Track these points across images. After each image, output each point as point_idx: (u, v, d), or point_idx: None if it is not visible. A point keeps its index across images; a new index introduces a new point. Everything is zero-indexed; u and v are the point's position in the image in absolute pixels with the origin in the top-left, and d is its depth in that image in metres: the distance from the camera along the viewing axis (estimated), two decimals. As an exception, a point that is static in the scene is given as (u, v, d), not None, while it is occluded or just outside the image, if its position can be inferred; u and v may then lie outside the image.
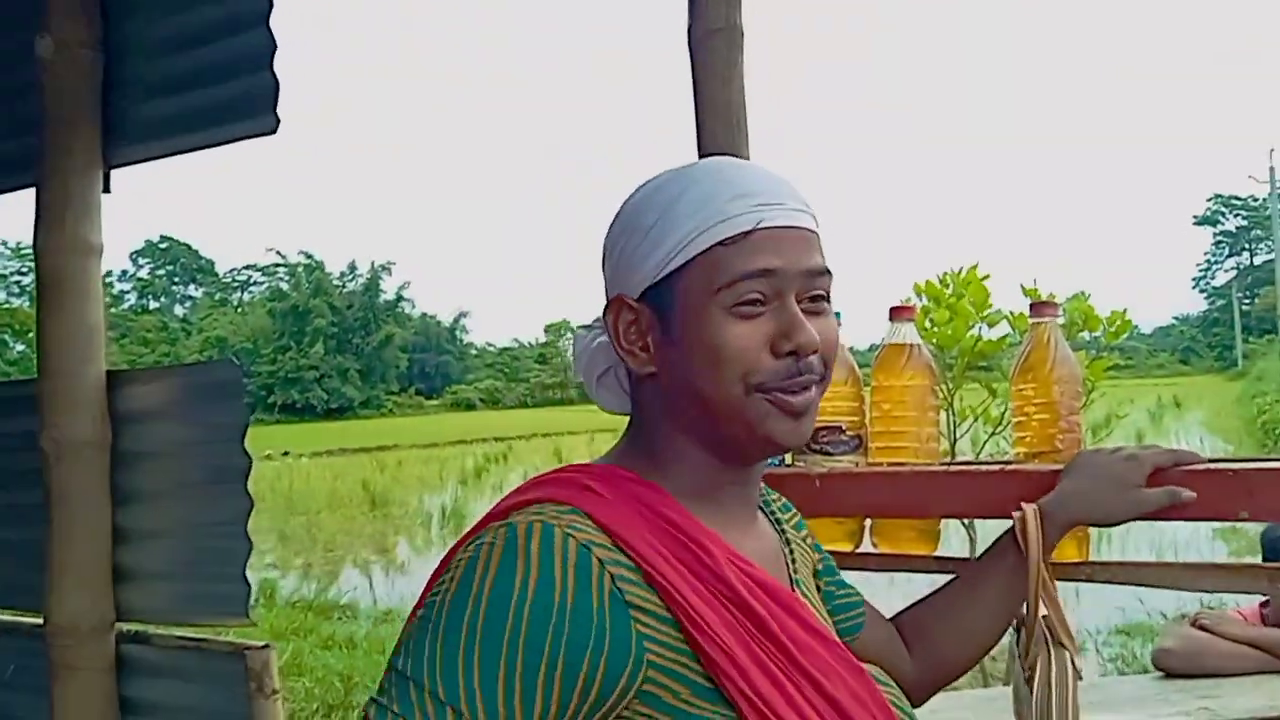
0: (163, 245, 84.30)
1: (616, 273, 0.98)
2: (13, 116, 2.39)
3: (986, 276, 3.60)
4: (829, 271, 0.95)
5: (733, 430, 0.93)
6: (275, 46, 2.09)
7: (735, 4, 1.64)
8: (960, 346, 3.36)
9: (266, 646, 2.15)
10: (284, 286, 66.42)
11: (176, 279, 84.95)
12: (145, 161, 2.34)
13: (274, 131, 2.13)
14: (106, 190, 2.33)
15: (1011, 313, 3.35)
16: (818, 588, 1.13)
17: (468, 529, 0.92)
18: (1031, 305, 1.40)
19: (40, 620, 2.25)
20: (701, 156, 1.65)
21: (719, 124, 1.62)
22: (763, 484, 1.17)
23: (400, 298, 66.16)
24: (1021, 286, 3.70)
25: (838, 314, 1.49)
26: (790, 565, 1.06)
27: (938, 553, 1.43)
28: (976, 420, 3.74)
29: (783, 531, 1.10)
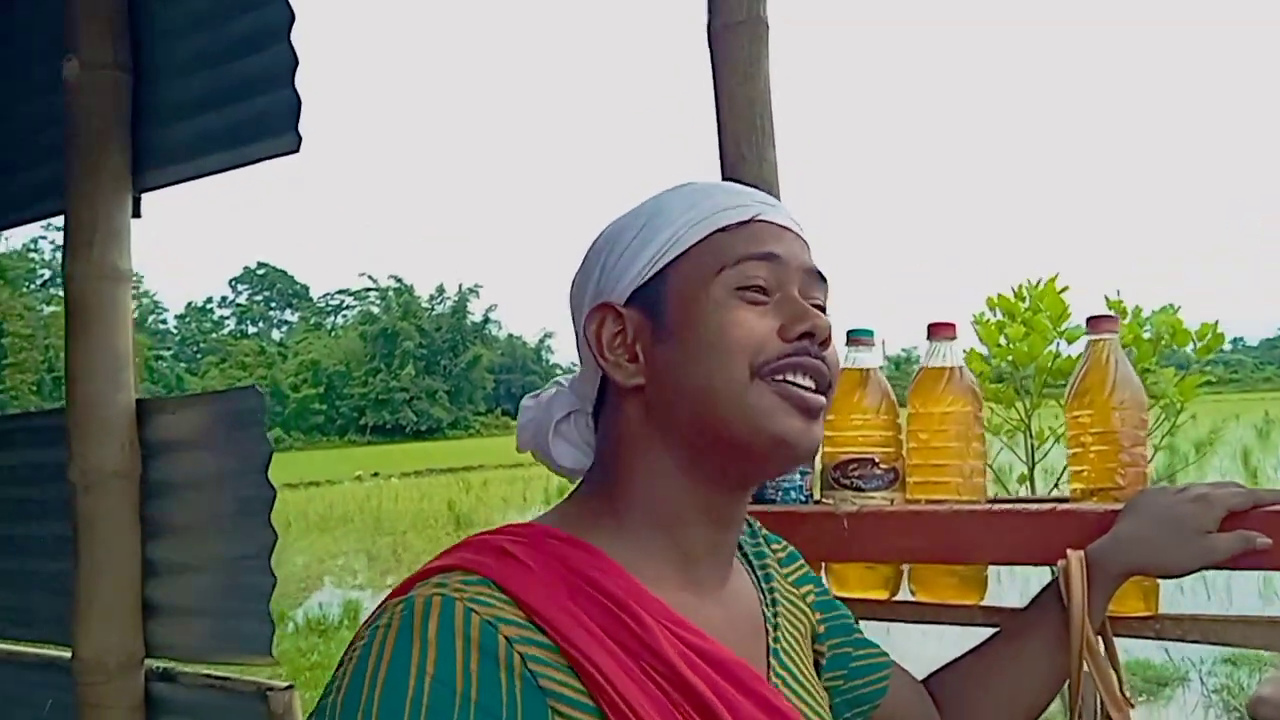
0: (260, 271, 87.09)
1: (598, 288, 0.89)
2: (42, 143, 2.37)
3: (1065, 289, 3.38)
4: (827, 280, 0.88)
5: (735, 429, 0.81)
6: (297, 62, 2.03)
7: (760, -7, 1.50)
8: (1037, 364, 3.15)
9: (289, 687, 2.07)
10: (374, 310, 67.94)
11: (273, 304, 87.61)
12: (173, 185, 2.29)
13: (296, 150, 2.07)
14: (136, 215, 2.29)
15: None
16: (821, 653, 0.99)
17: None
18: (1089, 320, 1.23)
19: (68, 654, 2.21)
20: (723, 160, 1.52)
21: (741, 124, 1.48)
22: (762, 531, 1.04)
23: (487, 319, 67.13)
24: (1105, 298, 3.47)
25: (870, 331, 1.37)
26: (770, 632, 0.91)
27: (985, 602, 1.27)
28: (1056, 442, 3.51)
29: (770, 590, 0.96)
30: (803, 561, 1.06)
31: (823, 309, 0.87)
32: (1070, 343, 3.15)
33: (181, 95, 2.23)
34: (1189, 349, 3.11)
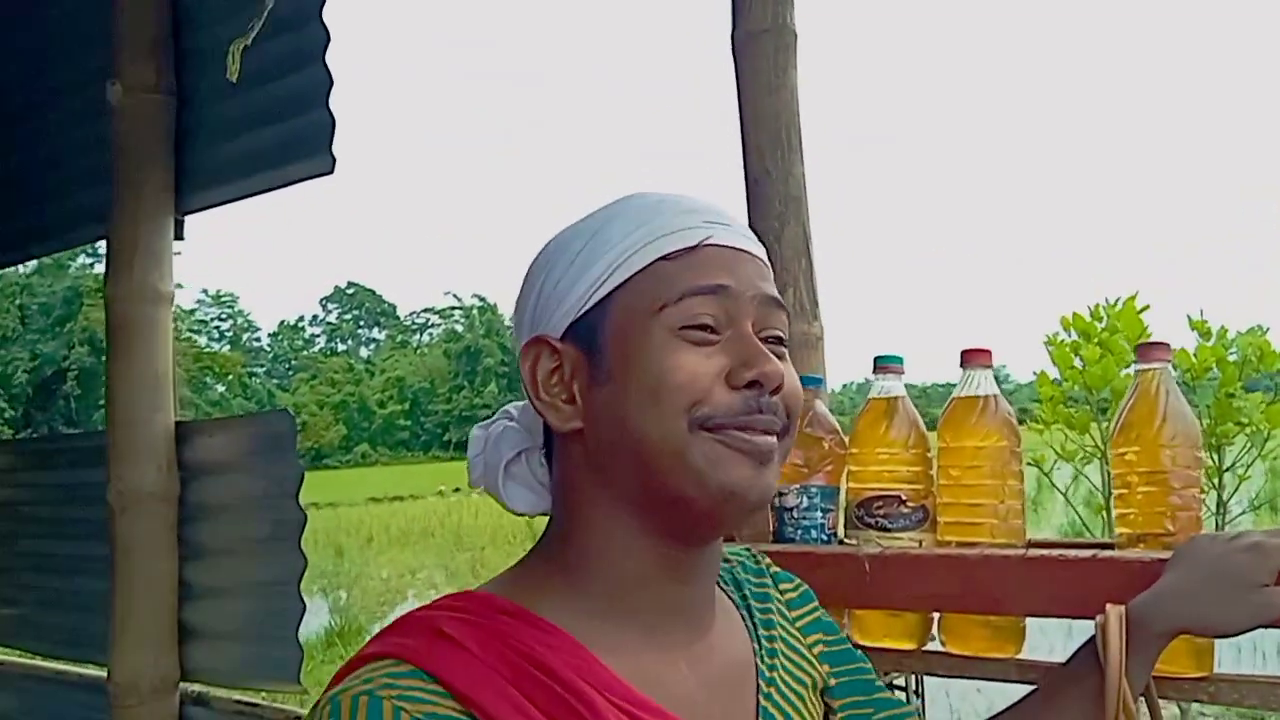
0: (349, 291, 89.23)
1: (534, 317, 0.81)
2: (86, 168, 2.39)
3: (1145, 308, 3.20)
4: (785, 309, 0.79)
5: (676, 484, 0.73)
6: (332, 83, 2.01)
7: (786, 1, 1.41)
8: (1113, 387, 2.98)
9: (317, 716, 2.03)
10: (458, 328, 69.01)
11: (362, 322, 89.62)
12: (214, 207, 2.29)
13: (330, 171, 2.04)
14: (179, 237, 2.30)
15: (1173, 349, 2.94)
16: (832, 708, 0.89)
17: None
18: (1138, 347, 1.11)
19: (104, 674, 2.20)
20: (747, 175, 1.44)
21: (765, 137, 1.39)
22: (771, 569, 0.96)
23: (568, 337, 67.73)
24: (1188, 317, 3.28)
25: (899, 359, 1.27)
26: (762, 686, 0.82)
27: (1023, 655, 1.15)
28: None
29: (769, 639, 0.87)
30: (816, 605, 0.96)
31: (781, 339, 0.79)
32: (1148, 365, 2.97)
33: (221, 118, 2.23)
34: (1278, 372, 2.91)
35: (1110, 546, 1.09)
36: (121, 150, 2.21)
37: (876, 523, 1.20)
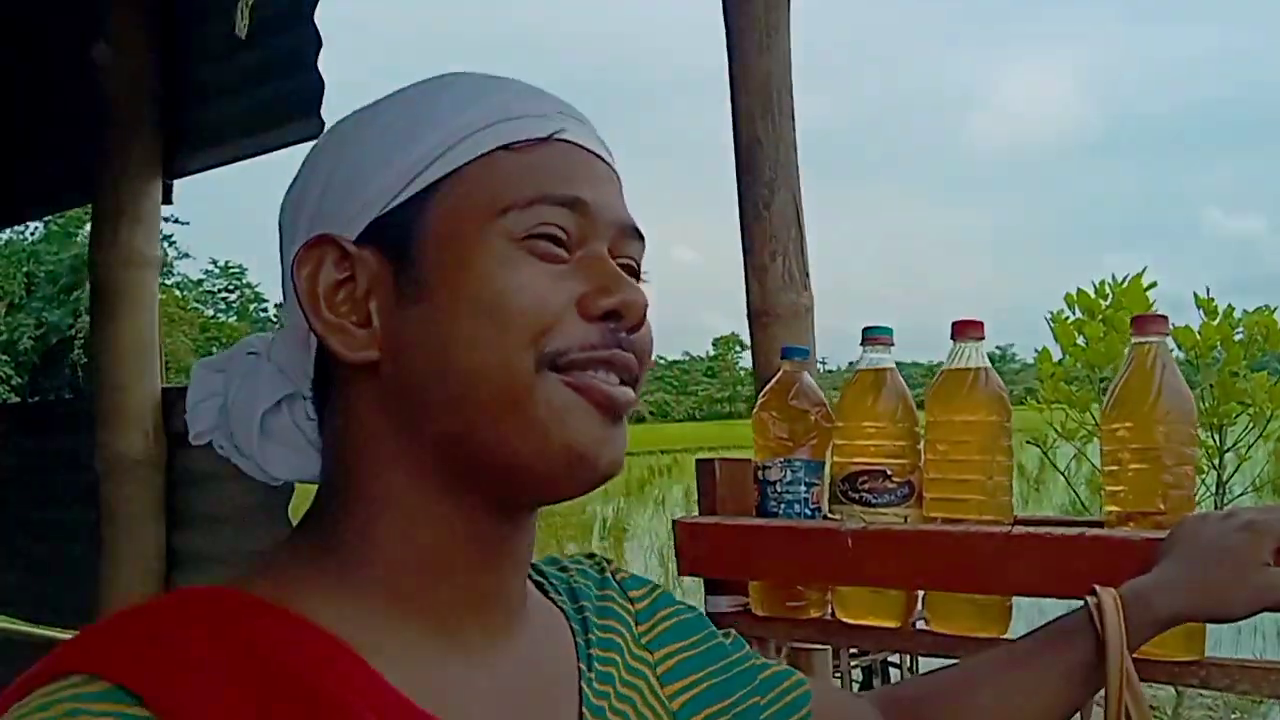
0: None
1: (319, 211, 0.62)
2: (73, 130, 2.36)
3: (1152, 285, 3.16)
4: (644, 239, 0.65)
5: (510, 437, 0.58)
6: (320, 44, 1.97)
7: (779, -42, 1.36)
8: (1115, 366, 2.94)
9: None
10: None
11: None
12: (202, 171, 2.26)
13: (318, 136, 2.00)
14: (167, 201, 2.27)
15: (1175, 327, 2.90)
16: (719, 712, 0.75)
17: None
18: (1134, 320, 1.07)
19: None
20: (737, 141, 1.40)
21: (756, 101, 1.35)
22: (619, 575, 0.80)
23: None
24: (1195, 296, 3.24)
25: (889, 330, 1.23)
26: (586, 714, 0.66)
27: (1008, 636, 1.12)
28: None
29: (605, 663, 0.71)
30: (674, 610, 0.79)
31: (636, 273, 0.65)
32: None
33: (210, 80, 2.19)
34: (1284, 352, 2.87)
35: (1100, 525, 1.06)
36: (109, 111, 2.18)
37: (861, 498, 1.17)
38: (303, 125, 2.02)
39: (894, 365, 1.21)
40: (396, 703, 0.56)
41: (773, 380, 1.27)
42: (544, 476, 0.59)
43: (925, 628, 1.16)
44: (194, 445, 0.74)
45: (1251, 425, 2.74)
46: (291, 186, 0.65)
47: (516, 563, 0.64)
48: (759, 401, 1.27)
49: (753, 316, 1.39)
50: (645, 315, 0.61)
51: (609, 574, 0.79)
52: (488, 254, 0.58)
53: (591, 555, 0.82)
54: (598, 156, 0.63)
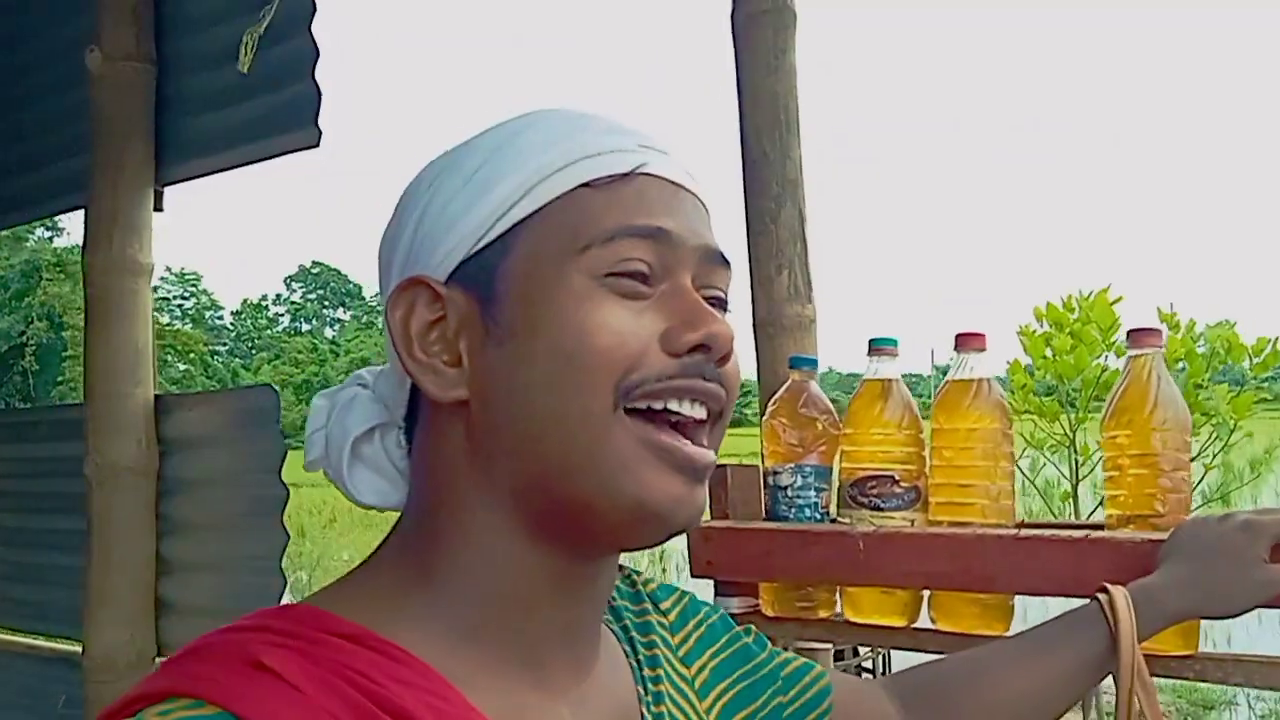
0: (314, 270, 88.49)
1: (411, 252, 0.63)
2: (65, 136, 2.36)
3: (1118, 299, 3.25)
4: (730, 266, 0.65)
5: (581, 486, 0.58)
6: (318, 54, 1.99)
7: (785, -18, 1.42)
8: (1084, 377, 3.03)
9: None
10: (425, 310, 68.55)
11: (327, 303, 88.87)
12: (195, 179, 2.27)
13: (316, 145, 2.03)
14: (158, 209, 2.27)
15: (1143, 340, 2.99)
16: (748, 717, 0.78)
17: None
18: (1130, 333, 1.13)
19: (79, 649, 2.19)
20: (745, 158, 1.45)
21: (764, 119, 1.40)
22: (647, 589, 0.80)
23: (536, 321, 67.32)
24: (1158, 310, 3.33)
25: (894, 340, 1.28)
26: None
27: (1011, 633, 1.17)
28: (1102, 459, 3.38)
29: (654, 679, 0.72)
30: (703, 617, 0.80)
31: (724, 304, 0.64)
32: (1120, 356, 3.02)
33: (204, 88, 2.20)
34: (1245, 365, 2.97)
35: (1100, 528, 1.12)
36: (101, 119, 2.18)
37: (870, 502, 1.22)
38: (300, 135, 2.03)
39: (899, 375, 1.27)
40: None
41: (782, 389, 1.31)
42: (616, 527, 0.59)
43: (931, 626, 1.21)
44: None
45: (1215, 435, 2.83)
46: (387, 227, 0.67)
47: (597, 601, 0.65)
48: (769, 410, 1.31)
49: (757, 327, 1.44)
50: (732, 347, 0.60)
51: (640, 587, 0.79)
52: (568, 292, 0.58)
53: (621, 568, 0.78)
54: (682, 187, 0.63)
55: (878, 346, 1.26)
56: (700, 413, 0.60)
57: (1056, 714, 0.93)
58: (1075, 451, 3.12)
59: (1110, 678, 0.94)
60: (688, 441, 0.59)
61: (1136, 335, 1.12)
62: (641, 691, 0.70)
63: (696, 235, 0.62)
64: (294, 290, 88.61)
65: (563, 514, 0.59)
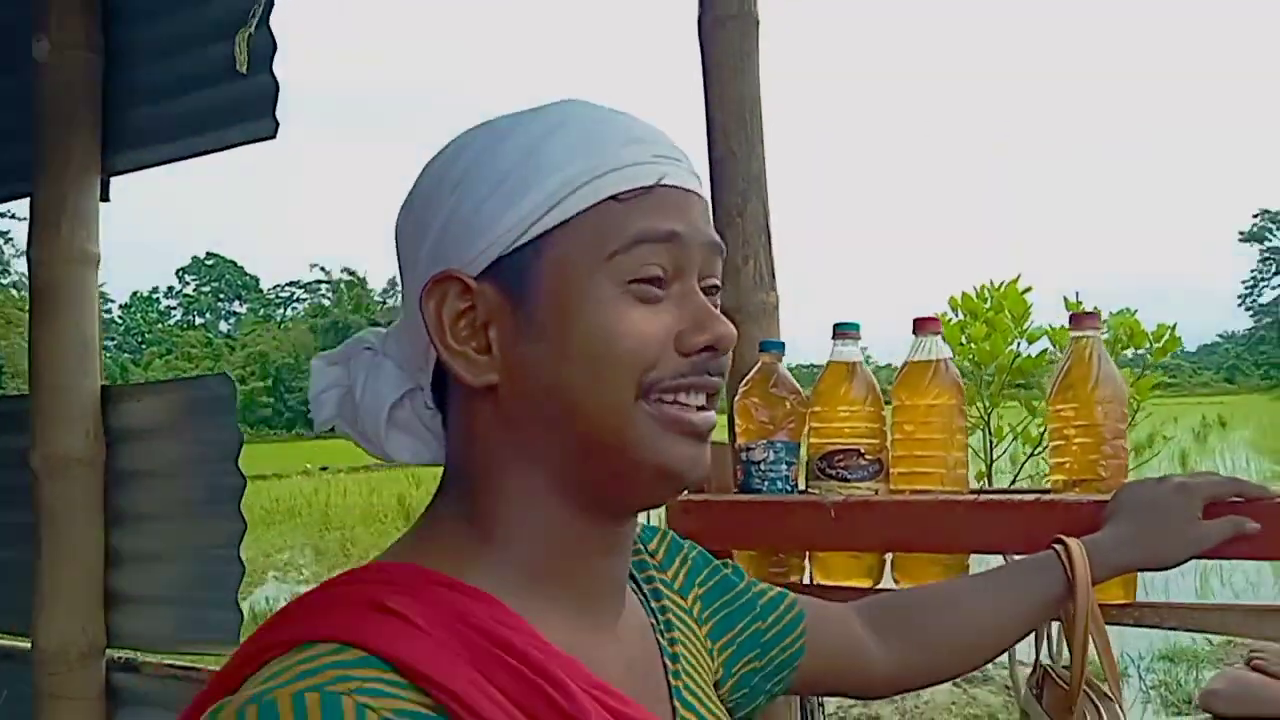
0: (209, 262, 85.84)
1: (442, 244, 0.69)
2: (10, 124, 2.32)
3: (1028, 289, 3.44)
4: (724, 251, 0.74)
5: (609, 458, 0.67)
6: (275, 47, 2.01)
7: (750, -11, 1.51)
8: (998, 363, 3.21)
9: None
10: (325, 303, 67.16)
11: (222, 296, 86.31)
12: (144, 168, 2.26)
13: (273, 136, 2.05)
14: (105, 198, 2.26)
15: (1052, 327, 3.18)
16: (725, 647, 0.88)
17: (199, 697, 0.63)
18: (1072, 317, 1.26)
19: (28, 644, 2.17)
20: (712, 155, 1.53)
21: (730, 119, 1.49)
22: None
23: (440, 314, 66.39)
24: (1065, 299, 3.54)
25: (856, 325, 1.39)
26: (669, 665, 0.78)
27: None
28: (1015, 439, 3.57)
29: (663, 611, 0.82)
30: (685, 552, 0.90)
31: (719, 286, 0.74)
32: (1031, 342, 3.20)
33: (155, 78, 2.19)
34: (1144, 351, 3.19)
35: (1047, 493, 1.24)
36: (48, 108, 2.16)
37: (837, 474, 1.32)
38: (256, 126, 2.05)
39: (862, 357, 1.37)
40: (575, 666, 0.64)
41: (753, 371, 1.41)
42: (642, 489, 0.69)
43: (895, 587, 1.32)
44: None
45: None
46: (409, 210, 0.72)
47: (625, 550, 0.74)
48: (741, 390, 1.41)
49: (725, 314, 1.52)
50: (733, 343, 0.70)
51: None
52: (596, 300, 0.65)
53: None
54: (690, 192, 0.71)
55: (842, 330, 1.36)
56: (702, 401, 0.70)
57: (1008, 645, 1.05)
58: (990, 433, 3.30)
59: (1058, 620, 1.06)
60: (693, 409, 0.69)
61: (1078, 319, 1.24)
62: (654, 622, 0.80)
63: (701, 233, 0.70)
64: (187, 283, 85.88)
65: (595, 483, 0.68)
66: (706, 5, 1.52)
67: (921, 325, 1.33)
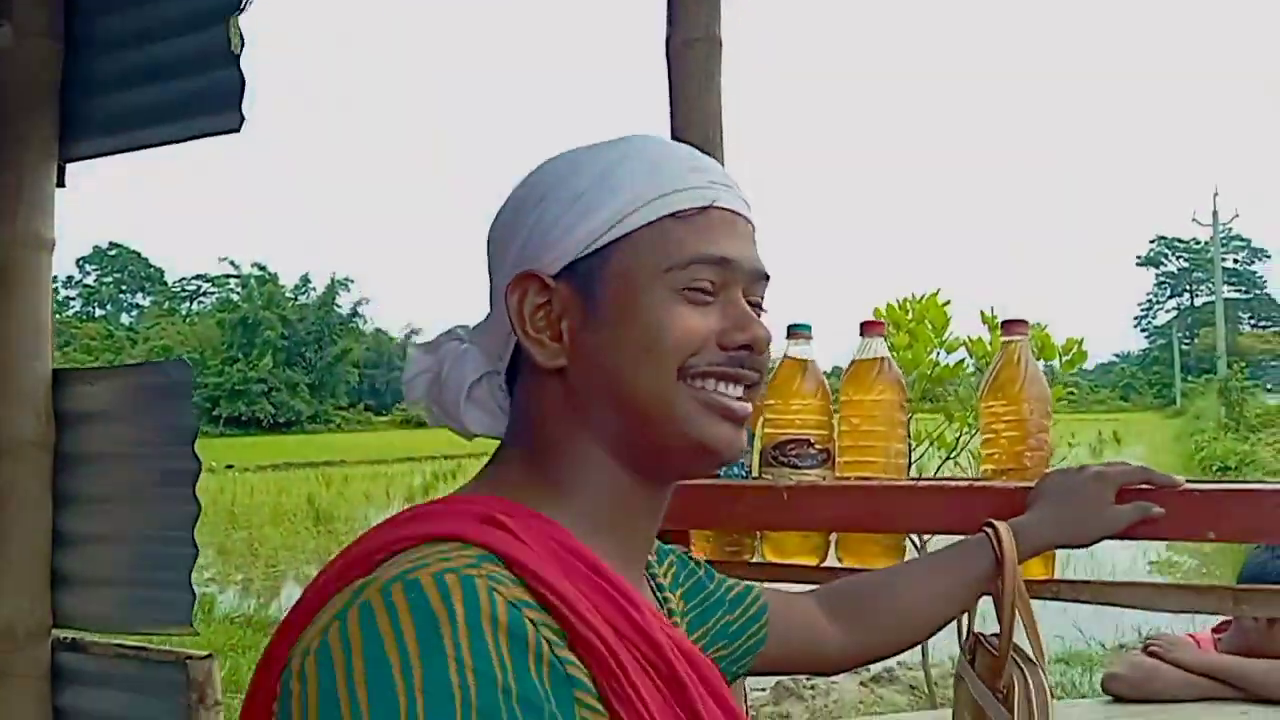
0: (111, 252, 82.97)
1: (525, 249, 0.81)
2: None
3: (947, 303, 3.64)
4: (770, 278, 0.85)
5: (656, 431, 0.78)
6: (243, 41, 2.06)
7: (715, 13, 1.63)
8: (919, 371, 3.39)
9: (209, 656, 2.09)
10: (234, 298, 65.54)
11: (124, 287, 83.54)
12: (101, 156, 2.28)
13: (238, 129, 2.09)
14: (61, 184, 2.28)
15: (969, 338, 3.38)
16: (702, 635, 1.03)
17: (319, 576, 0.72)
18: (1003, 323, 1.40)
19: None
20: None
21: (695, 136, 1.60)
22: None
23: (356, 313, 65.43)
24: (981, 313, 3.74)
25: (808, 326, 1.51)
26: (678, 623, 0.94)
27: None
28: (931, 445, 3.77)
29: (660, 594, 0.96)
30: (671, 556, 1.05)
31: (761, 307, 0.84)
32: (949, 352, 3.41)
33: (117, 68, 2.22)
34: (1055, 363, 3.40)
35: (978, 480, 1.38)
36: (8, 93, 2.17)
37: (789, 461, 1.44)
38: (221, 119, 2.09)
39: (813, 355, 1.50)
40: (639, 599, 0.74)
41: (713, 366, 1.52)
42: (684, 461, 0.81)
43: (839, 564, 1.45)
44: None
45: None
46: (500, 218, 0.85)
47: (659, 515, 0.86)
48: (701, 383, 1.52)
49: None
50: (768, 346, 0.82)
51: None
52: (653, 301, 0.78)
53: None
54: (740, 216, 0.82)
55: (795, 331, 1.48)
56: (739, 392, 0.81)
57: (948, 619, 1.20)
58: (909, 438, 3.47)
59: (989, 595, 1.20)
60: (732, 398, 0.81)
61: (1009, 325, 1.39)
62: (657, 606, 0.91)
63: (750, 260, 0.82)
64: (88, 273, 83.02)
65: (645, 452, 0.80)
66: (674, 28, 1.63)
67: (868, 328, 1.46)
